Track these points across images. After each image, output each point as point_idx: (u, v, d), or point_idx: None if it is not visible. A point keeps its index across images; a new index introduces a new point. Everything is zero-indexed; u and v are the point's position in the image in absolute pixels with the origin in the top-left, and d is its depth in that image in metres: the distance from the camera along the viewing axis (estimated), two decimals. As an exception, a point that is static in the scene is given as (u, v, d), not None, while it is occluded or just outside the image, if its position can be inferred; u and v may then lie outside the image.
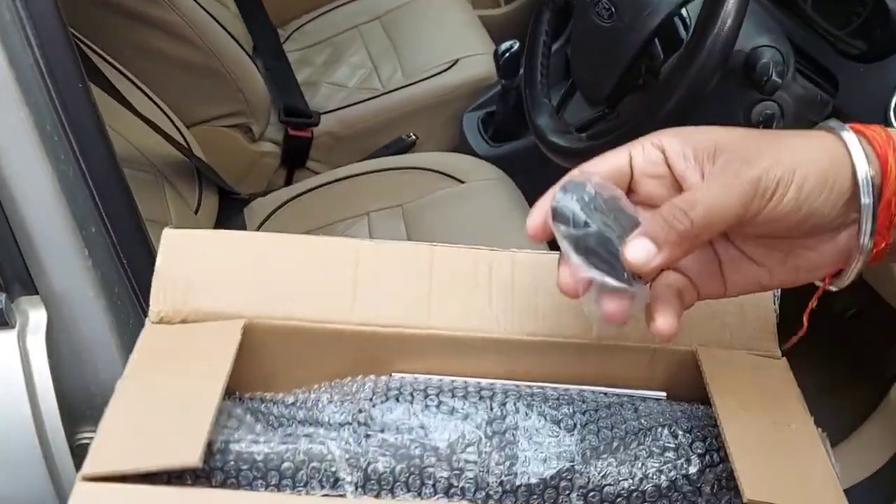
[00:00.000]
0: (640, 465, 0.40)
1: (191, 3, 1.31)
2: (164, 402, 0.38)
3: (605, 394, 0.45)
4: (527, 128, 1.41)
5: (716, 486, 0.41)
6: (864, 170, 0.36)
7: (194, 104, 1.39)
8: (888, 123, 0.89)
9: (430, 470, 0.40)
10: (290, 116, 1.52)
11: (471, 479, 0.40)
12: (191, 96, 1.38)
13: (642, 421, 0.42)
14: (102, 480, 0.35)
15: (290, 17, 1.83)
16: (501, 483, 0.40)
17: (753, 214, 0.36)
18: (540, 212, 0.38)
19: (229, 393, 0.40)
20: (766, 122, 0.94)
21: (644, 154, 0.39)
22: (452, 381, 0.44)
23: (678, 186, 0.39)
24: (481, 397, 0.42)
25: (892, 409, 1.10)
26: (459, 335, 0.44)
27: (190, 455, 0.35)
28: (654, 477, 0.40)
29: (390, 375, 0.44)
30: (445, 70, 1.54)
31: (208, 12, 1.35)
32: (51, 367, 0.53)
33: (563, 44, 1.40)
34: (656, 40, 0.91)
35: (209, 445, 0.37)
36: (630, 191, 0.40)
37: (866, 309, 1.16)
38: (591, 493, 0.40)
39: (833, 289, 0.41)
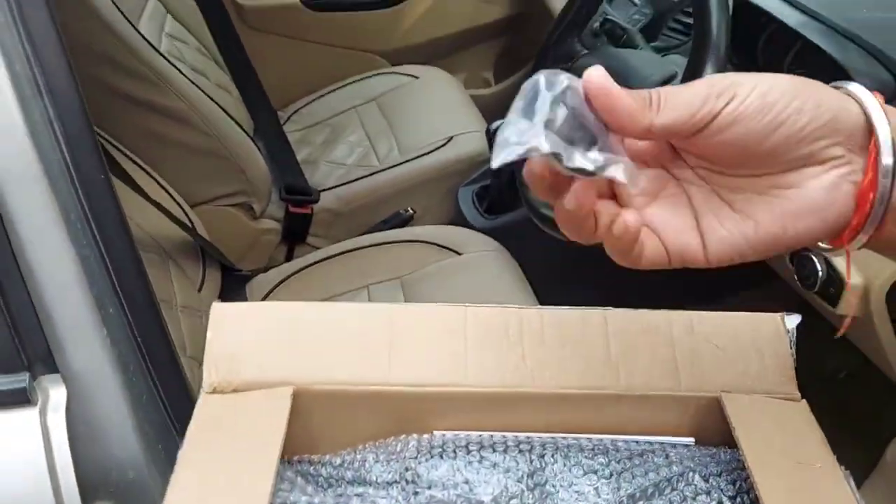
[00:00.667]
0: None
1: (195, 91, 1.37)
2: (224, 469, 0.41)
3: (637, 442, 0.47)
4: (520, 200, 1.47)
5: None
6: (872, 104, 0.37)
7: (198, 185, 1.44)
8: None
9: None
10: (290, 194, 1.57)
11: None
12: (195, 178, 1.43)
13: (674, 467, 0.44)
14: None
15: (289, 101, 1.90)
16: None
17: (714, 113, 0.36)
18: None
19: None
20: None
21: None
22: (492, 436, 0.45)
23: None
24: (521, 451, 0.44)
25: (888, 471, 1.11)
26: (496, 391, 0.46)
27: None
28: None
29: (432, 434, 0.46)
30: (440, 147, 1.60)
31: (212, 98, 1.41)
32: (69, 443, 0.55)
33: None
34: (638, 118, 0.97)
35: None
36: None
37: (856, 371, 1.19)
38: None
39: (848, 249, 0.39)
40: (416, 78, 1.84)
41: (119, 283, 0.57)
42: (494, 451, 0.44)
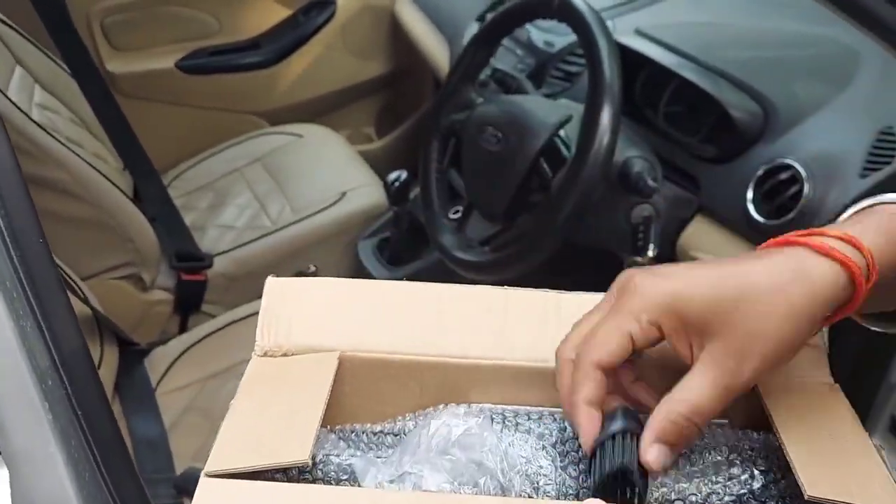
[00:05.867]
0: (706, 482, 0.42)
1: (76, 160, 1.31)
2: (271, 417, 0.43)
3: None
4: (423, 248, 1.48)
5: (780, 503, 0.42)
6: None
7: (83, 258, 1.36)
8: (747, 214, 1.02)
9: (509, 483, 0.42)
10: (181, 261, 1.51)
11: (549, 492, 0.42)
12: (80, 251, 1.35)
13: (706, 441, 0.45)
14: (222, 477, 0.39)
15: (167, 166, 1.84)
16: (578, 495, 0.42)
17: None
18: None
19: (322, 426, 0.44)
20: (645, 223, 1.06)
21: (643, 334, 0.41)
22: (527, 409, 0.47)
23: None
24: (554, 419, 0.45)
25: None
26: (532, 365, 0.47)
27: (299, 454, 0.40)
28: (721, 492, 0.42)
29: (469, 405, 0.47)
30: (334, 203, 1.60)
31: (93, 167, 1.35)
32: (17, 530, 0.50)
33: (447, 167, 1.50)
34: (542, 159, 1.02)
35: (312, 458, 0.41)
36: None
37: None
38: None
39: None
40: (300, 136, 1.84)
41: (58, 354, 0.53)
42: (529, 418, 0.45)
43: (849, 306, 0.43)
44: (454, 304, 0.49)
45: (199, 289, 1.52)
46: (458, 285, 0.50)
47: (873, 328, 0.51)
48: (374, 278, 1.49)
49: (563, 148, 1.02)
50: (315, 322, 0.48)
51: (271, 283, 0.50)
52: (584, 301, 0.49)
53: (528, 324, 0.48)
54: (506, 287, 0.50)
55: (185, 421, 1.22)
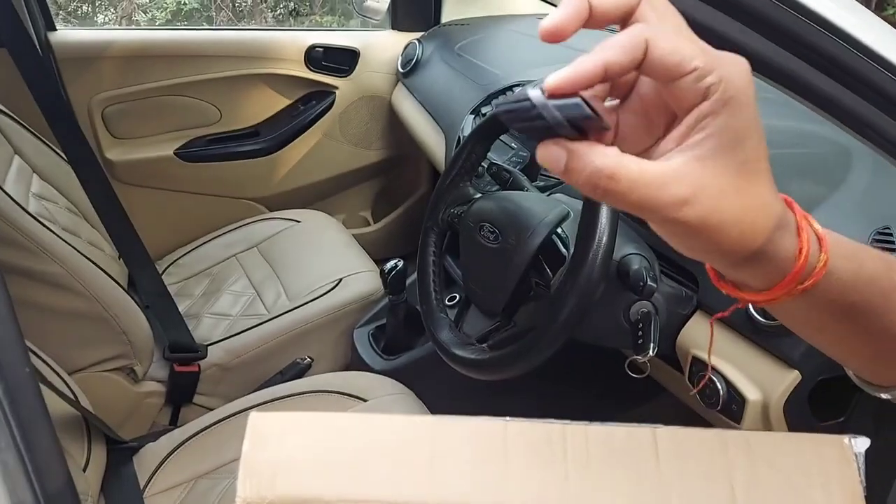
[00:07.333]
0: None
1: (72, 253, 1.30)
2: None
3: None
4: (418, 338, 1.47)
5: None
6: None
7: (76, 351, 1.35)
8: (747, 312, 1.00)
9: None
10: (175, 352, 1.49)
11: None
12: (73, 344, 1.33)
13: None
14: None
15: (163, 252, 1.84)
16: None
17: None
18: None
19: None
20: (645, 320, 1.04)
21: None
22: None
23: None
24: None
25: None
26: None
27: None
28: None
29: None
30: (331, 290, 1.59)
31: (89, 259, 1.34)
32: None
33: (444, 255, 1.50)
34: (541, 258, 1.01)
35: None
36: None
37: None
38: None
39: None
40: (298, 222, 1.84)
41: (41, 488, 0.51)
42: None
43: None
44: (448, 442, 0.46)
45: (192, 380, 1.50)
46: (450, 419, 0.47)
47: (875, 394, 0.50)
48: (370, 367, 1.46)
49: (560, 246, 1.02)
50: (300, 467, 0.45)
51: (254, 420, 0.47)
52: (590, 433, 0.47)
53: (532, 465, 0.46)
54: (507, 419, 0.48)
55: (174, 524, 1.18)
